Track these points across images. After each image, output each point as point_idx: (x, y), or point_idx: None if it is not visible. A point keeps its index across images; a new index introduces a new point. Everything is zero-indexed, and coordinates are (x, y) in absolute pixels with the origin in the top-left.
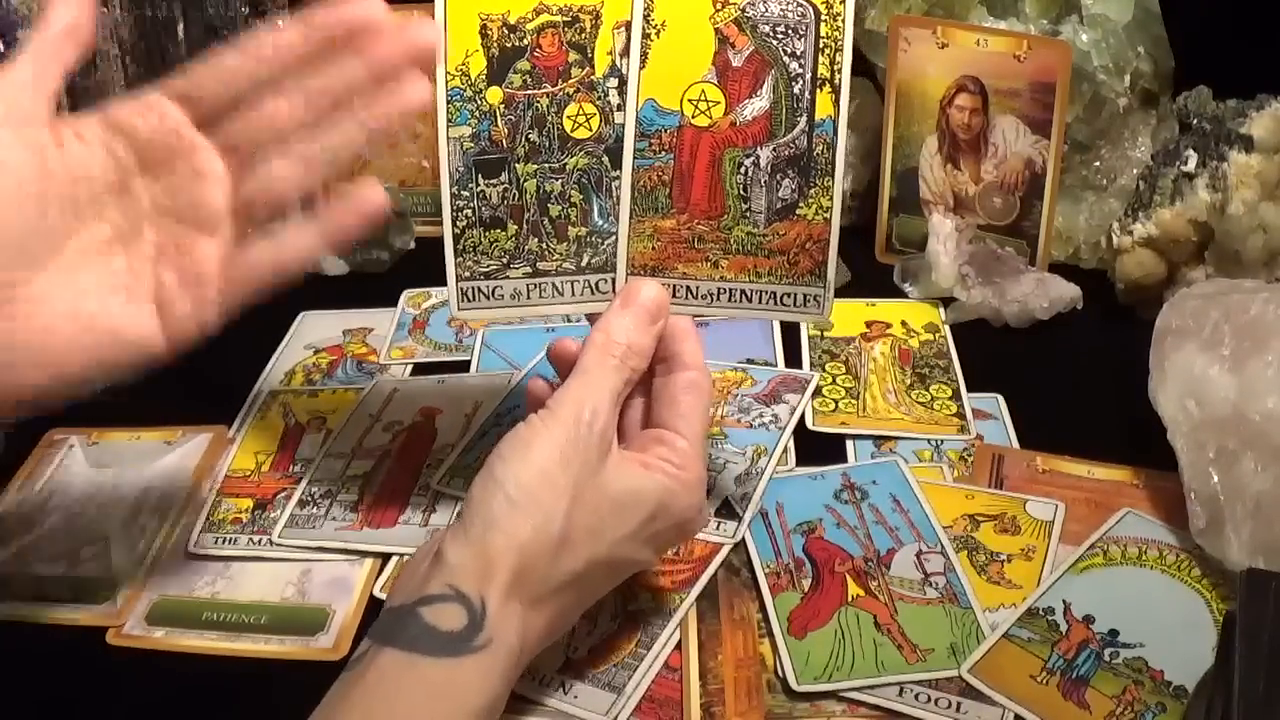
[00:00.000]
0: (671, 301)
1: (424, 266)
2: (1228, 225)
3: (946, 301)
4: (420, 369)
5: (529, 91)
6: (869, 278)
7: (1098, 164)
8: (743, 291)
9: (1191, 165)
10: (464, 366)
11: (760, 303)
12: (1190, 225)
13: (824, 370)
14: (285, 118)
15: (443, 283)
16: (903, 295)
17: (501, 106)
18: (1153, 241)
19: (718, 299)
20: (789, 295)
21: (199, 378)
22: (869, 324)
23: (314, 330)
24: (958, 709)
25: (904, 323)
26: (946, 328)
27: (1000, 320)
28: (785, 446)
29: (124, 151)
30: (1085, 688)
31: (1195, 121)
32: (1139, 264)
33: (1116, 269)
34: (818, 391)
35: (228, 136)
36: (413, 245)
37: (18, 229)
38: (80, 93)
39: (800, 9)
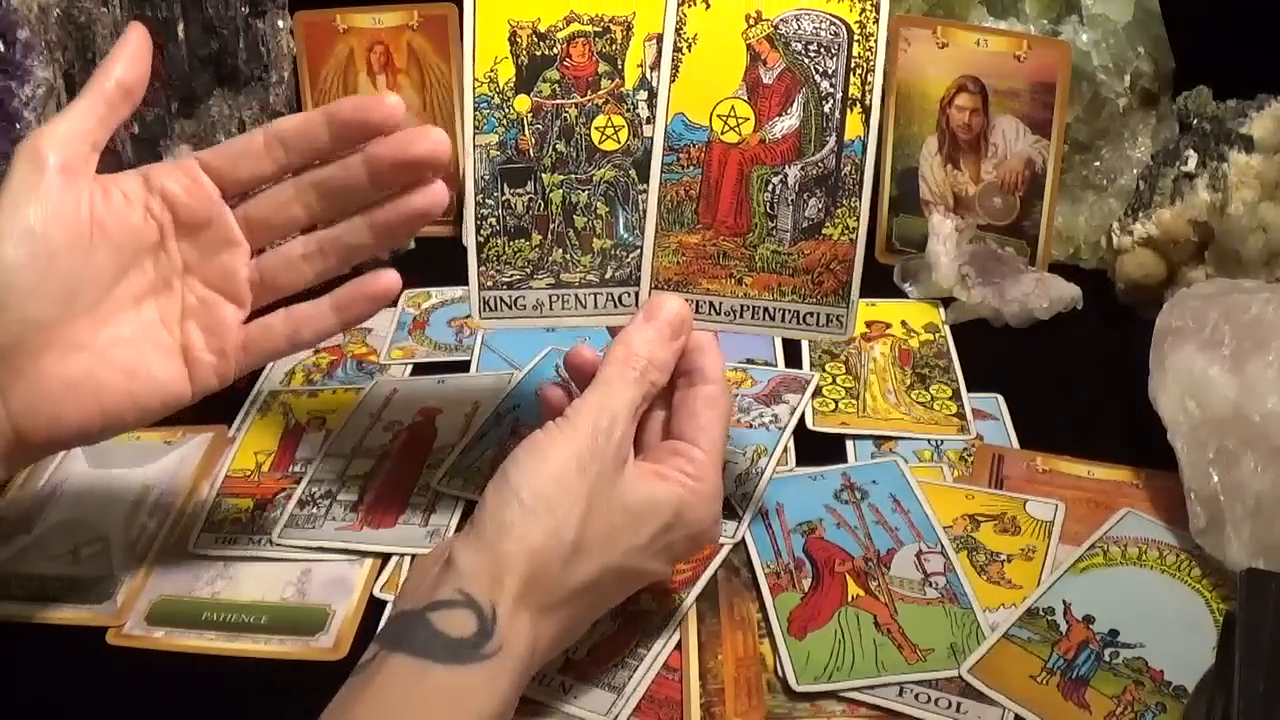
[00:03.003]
0: (694, 317)
1: (424, 266)
2: (1228, 225)
3: (946, 301)
4: (420, 369)
5: (557, 101)
6: (869, 278)
7: (1098, 164)
8: (766, 309)
9: (1191, 165)
10: (464, 366)
11: (783, 321)
12: (1190, 225)
13: (824, 370)
14: (296, 207)
15: (444, 283)
16: (903, 295)
17: (529, 115)
18: (1153, 241)
19: (741, 316)
20: (812, 314)
21: None
22: (869, 324)
23: None
24: (958, 709)
25: (904, 323)
26: (946, 328)
27: (1000, 320)
28: (785, 446)
29: (161, 211)
30: (1085, 688)
31: (1195, 121)
32: (1139, 264)
33: (1116, 269)
34: (818, 391)
35: (247, 215)
36: (413, 245)
37: (69, 273)
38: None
39: (833, 27)
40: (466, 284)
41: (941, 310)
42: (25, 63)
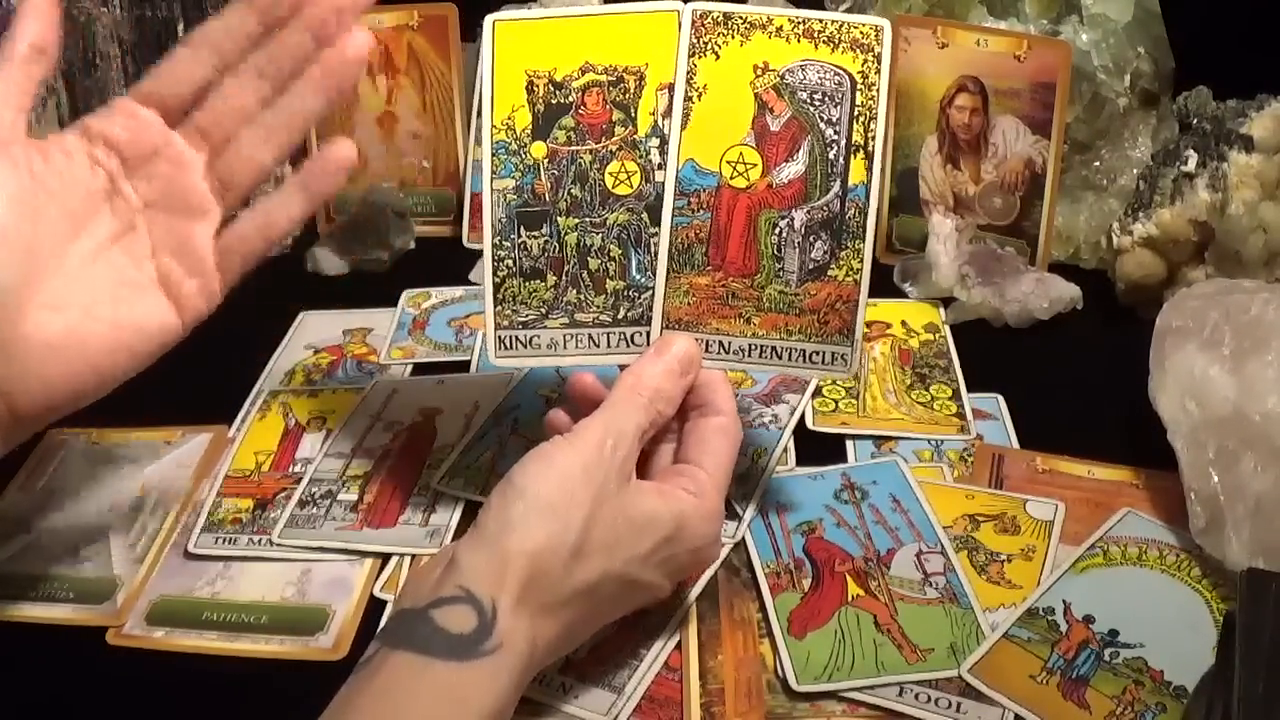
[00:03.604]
0: (704, 356)
1: (424, 266)
2: (1228, 225)
3: (946, 301)
4: (420, 369)
5: (572, 147)
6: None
7: (1098, 164)
8: (773, 348)
9: (1191, 165)
10: (464, 366)
11: (790, 359)
12: (1190, 225)
13: None
14: (243, 97)
15: (444, 283)
16: (903, 295)
17: (545, 161)
18: (1153, 241)
19: (749, 355)
20: (818, 353)
21: (199, 378)
22: (869, 324)
23: (314, 330)
24: (958, 709)
25: (904, 323)
26: (946, 328)
27: (1000, 320)
28: (785, 446)
29: (106, 158)
30: (1085, 688)
31: (1195, 121)
32: (1139, 264)
33: (1116, 269)
34: (818, 391)
35: (197, 124)
36: (413, 245)
37: (19, 238)
38: (80, 93)
39: (838, 77)
40: (466, 284)
41: (941, 310)
42: None
